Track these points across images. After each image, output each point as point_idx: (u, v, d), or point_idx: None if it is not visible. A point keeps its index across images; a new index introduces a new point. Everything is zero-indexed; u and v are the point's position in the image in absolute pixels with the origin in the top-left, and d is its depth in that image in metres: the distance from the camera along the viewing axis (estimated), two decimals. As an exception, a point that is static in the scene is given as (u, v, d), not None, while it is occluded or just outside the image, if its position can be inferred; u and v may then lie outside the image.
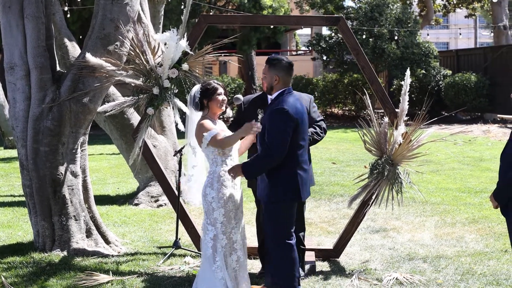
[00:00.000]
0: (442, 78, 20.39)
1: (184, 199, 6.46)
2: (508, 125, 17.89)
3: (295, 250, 4.54)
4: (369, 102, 5.46)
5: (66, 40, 7.28)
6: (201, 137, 4.55)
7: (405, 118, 5.54)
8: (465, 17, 29.59)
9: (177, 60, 5.54)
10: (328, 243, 6.36)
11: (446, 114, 18.34)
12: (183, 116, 5.26)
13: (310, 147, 5.33)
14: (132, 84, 5.65)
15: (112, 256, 5.99)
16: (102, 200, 8.65)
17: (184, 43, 5.48)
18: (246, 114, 5.20)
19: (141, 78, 5.64)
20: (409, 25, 20.70)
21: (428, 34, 23.49)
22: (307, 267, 5.47)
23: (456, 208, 7.94)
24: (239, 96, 4.96)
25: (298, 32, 38.09)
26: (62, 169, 6.01)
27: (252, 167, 4.47)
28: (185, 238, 6.37)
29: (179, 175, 6.16)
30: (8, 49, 6.07)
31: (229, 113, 4.94)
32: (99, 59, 5.79)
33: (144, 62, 5.57)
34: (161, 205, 8.39)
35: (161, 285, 5.21)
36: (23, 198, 6.95)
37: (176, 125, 5.72)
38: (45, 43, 6.08)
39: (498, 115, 19.25)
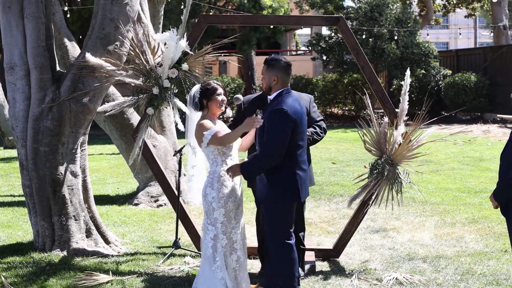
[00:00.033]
0: (442, 78, 20.39)
1: (183, 199, 6.47)
2: (508, 125, 17.89)
3: (295, 250, 4.54)
4: (369, 102, 5.46)
5: (66, 40, 7.28)
6: (201, 137, 4.55)
7: (405, 118, 5.54)
8: (465, 17, 29.60)
9: (177, 60, 5.54)
10: (328, 243, 6.36)
11: (446, 114, 18.35)
12: (183, 116, 5.26)
13: (310, 147, 5.34)
14: (132, 84, 5.65)
15: (112, 256, 5.99)
16: (102, 200, 8.65)
17: (184, 43, 5.48)
18: (246, 114, 5.18)
19: (141, 78, 5.64)
20: (409, 25, 20.70)
21: (428, 34, 23.50)
22: (307, 267, 5.47)
23: (456, 208, 7.94)
24: (239, 96, 4.96)
25: (298, 32, 38.11)
26: (62, 169, 6.01)
27: (251, 167, 4.47)
28: (185, 238, 6.37)
29: (179, 175, 6.16)
30: (8, 49, 6.07)
31: (229, 113, 4.93)
32: (99, 59, 5.79)
33: (144, 62, 5.57)
34: (161, 205, 8.39)
35: (160, 285, 5.21)
36: (23, 198, 6.95)
37: (176, 125, 5.72)
38: (45, 43, 6.08)
39: (498, 115, 19.26)
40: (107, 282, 5.22)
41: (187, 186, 8.05)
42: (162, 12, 9.67)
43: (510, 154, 3.98)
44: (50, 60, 6.14)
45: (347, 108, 22.65)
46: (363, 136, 5.54)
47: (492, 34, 28.11)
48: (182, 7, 17.16)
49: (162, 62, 5.54)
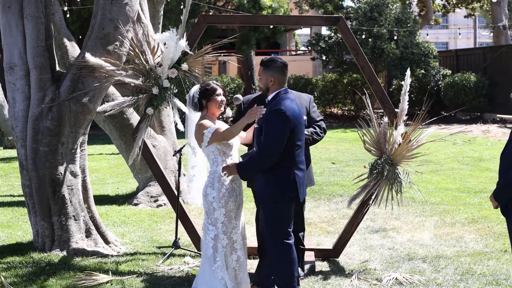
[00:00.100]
0: (441, 78, 20.40)
1: (183, 199, 6.47)
2: (508, 125, 17.90)
3: (294, 250, 4.54)
4: (369, 102, 5.46)
5: (65, 40, 7.28)
6: (201, 137, 4.55)
7: (405, 118, 5.54)
8: (465, 17, 29.60)
9: (176, 60, 5.53)
10: (328, 243, 6.36)
11: (445, 114, 18.35)
12: (182, 116, 5.27)
13: (310, 147, 5.34)
14: (132, 84, 5.65)
15: (112, 256, 5.99)
16: (102, 200, 8.65)
17: (183, 43, 5.48)
18: (246, 114, 5.19)
19: (141, 78, 5.64)
20: (408, 25, 20.71)
21: (427, 34, 23.54)
22: (306, 267, 5.47)
23: (455, 208, 7.94)
24: (239, 96, 4.96)
25: (297, 32, 38.09)
26: (61, 169, 6.01)
27: (248, 166, 4.47)
28: (184, 238, 6.37)
29: (179, 175, 6.16)
30: (8, 49, 6.07)
31: (229, 113, 4.93)
32: (98, 59, 5.79)
33: (144, 62, 5.57)
34: (160, 205, 8.39)
35: (160, 285, 5.21)
36: (23, 198, 6.94)
37: (176, 125, 5.72)
38: (44, 43, 6.07)
39: (498, 115, 19.26)
40: (107, 282, 5.22)
41: (188, 186, 8.07)
42: (162, 12, 9.67)
43: (510, 154, 3.98)
44: (49, 60, 6.14)
45: (346, 108, 22.66)
46: (362, 136, 5.54)
47: (491, 34, 28.12)
48: (181, 7, 17.16)
49: (162, 62, 5.54)
